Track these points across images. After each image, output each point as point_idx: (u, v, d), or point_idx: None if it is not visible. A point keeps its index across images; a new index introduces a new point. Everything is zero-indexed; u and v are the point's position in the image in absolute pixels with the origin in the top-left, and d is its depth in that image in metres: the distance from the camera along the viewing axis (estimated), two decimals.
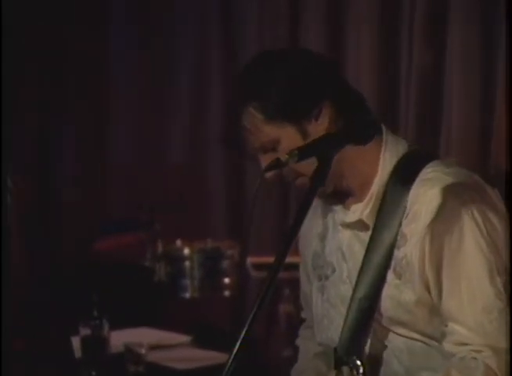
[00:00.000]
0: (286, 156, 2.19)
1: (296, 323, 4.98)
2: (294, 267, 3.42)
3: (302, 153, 2.17)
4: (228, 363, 1.85)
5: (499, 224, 2.35)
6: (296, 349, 4.98)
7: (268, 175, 2.44)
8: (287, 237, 2.12)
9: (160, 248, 4.70)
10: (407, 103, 5.53)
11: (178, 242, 4.75)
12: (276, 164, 2.27)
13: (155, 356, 3.73)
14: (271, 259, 2.15)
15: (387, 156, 2.46)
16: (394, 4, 5.45)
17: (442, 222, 2.31)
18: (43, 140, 6.03)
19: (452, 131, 4.72)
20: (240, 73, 2.61)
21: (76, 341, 3.49)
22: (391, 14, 5.56)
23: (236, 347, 1.86)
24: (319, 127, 2.38)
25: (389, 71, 5.59)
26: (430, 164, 2.44)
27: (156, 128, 6.22)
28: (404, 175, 2.44)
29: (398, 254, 2.40)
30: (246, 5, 5.96)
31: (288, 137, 2.40)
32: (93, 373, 3.53)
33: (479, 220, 2.31)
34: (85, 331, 3.59)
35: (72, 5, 6.04)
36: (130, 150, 6.15)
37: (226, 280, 4.74)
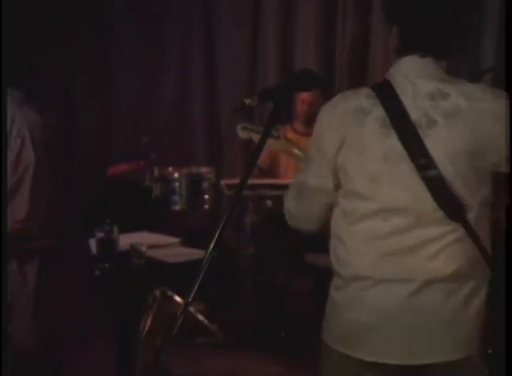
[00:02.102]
0: (249, 99, 2.18)
1: (257, 229, 5.06)
2: (256, 187, 3.46)
3: (261, 97, 2.15)
4: (206, 257, 1.88)
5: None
6: (258, 247, 5.01)
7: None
8: (248, 165, 2.10)
9: (156, 173, 4.70)
10: (341, 65, 5.56)
11: (170, 168, 4.75)
12: (242, 107, 2.24)
13: (153, 253, 3.73)
14: (238, 181, 2.11)
15: None
16: None
17: None
18: (66, 90, 6.02)
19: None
20: None
21: (92, 242, 3.52)
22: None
23: (212, 245, 1.89)
24: None
25: (328, 41, 5.63)
26: None
27: (151, 81, 6.20)
28: None
29: None
30: None
31: None
32: (106, 265, 3.55)
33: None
34: (100, 235, 3.59)
35: None
36: (131, 99, 6.14)
37: (206, 197, 4.74)
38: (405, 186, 2.16)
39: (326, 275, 4.24)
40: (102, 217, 3.67)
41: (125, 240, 3.68)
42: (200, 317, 4.83)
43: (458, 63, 2.40)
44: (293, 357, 4.55)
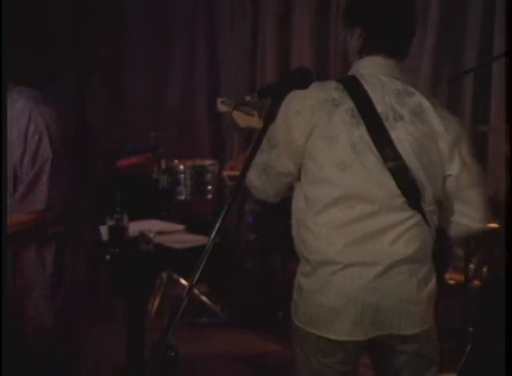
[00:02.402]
0: (249, 96, 2.20)
1: (257, 216, 5.06)
2: None
3: (260, 94, 2.10)
4: (209, 243, 1.88)
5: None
6: (258, 233, 5.02)
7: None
8: (248, 158, 2.10)
9: (163, 165, 4.71)
10: (334, 66, 5.56)
11: (176, 161, 4.77)
12: (243, 103, 2.26)
13: (160, 239, 3.72)
14: (238, 173, 2.12)
15: None
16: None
17: None
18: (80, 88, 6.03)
19: None
20: None
21: (103, 229, 3.53)
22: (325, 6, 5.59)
23: (214, 232, 1.90)
24: None
25: (321, 47, 5.64)
26: None
27: (158, 80, 6.20)
28: None
29: None
30: None
31: None
32: (116, 250, 3.56)
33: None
34: (111, 222, 3.59)
35: None
36: (141, 96, 6.13)
37: (209, 187, 4.78)
38: (371, 175, 2.20)
39: None
40: (113, 206, 3.68)
41: (134, 227, 3.68)
42: (204, 298, 4.87)
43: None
44: (287, 335, 4.55)
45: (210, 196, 4.75)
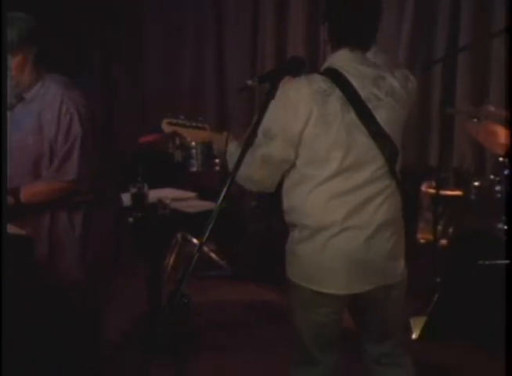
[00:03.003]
0: (251, 81, 2.12)
1: None
2: None
3: (260, 79, 2.11)
4: (216, 208, 1.89)
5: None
6: (259, 202, 5.01)
7: None
8: (250, 135, 2.04)
9: (177, 142, 4.69)
10: (323, 59, 5.53)
11: (188, 138, 4.77)
12: (245, 87, 2.26)
13: (175, 205, 3.75)
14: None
15: None
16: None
17: None
18: (105, 78, 6.02)
19: None
20: None
21: (125, 196, 3.53)
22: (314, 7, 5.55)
23: (221, 198, 1.89)
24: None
25: (312, 45, 5.61)
26: None
27: (173, 68, 6.17)
28: None
29: None
30: None
31: None
32: (138, 214, 3.58)
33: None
34: (133, 190, 3.61)
35: None
36: (158, 83, 6.11)
37: (216, 161, 4.76)
38: (362, 150, 2.23)
39: None
40: (135, 177, 3.69)
41: (153, 195, 3.70)
42: (212, 255, 4.89)
43: None
44: (283, 286, 4.57)
45: (217, 168, 4.71)
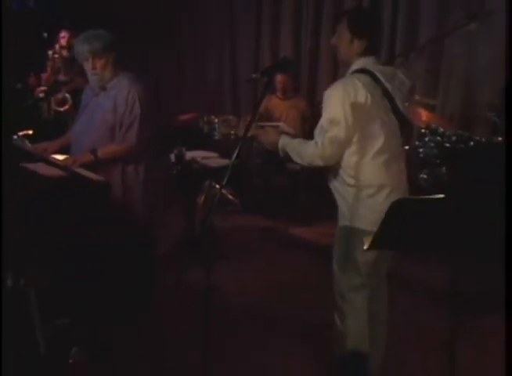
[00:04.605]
0: (255, 75, 2.07)
1: (260, 148, 5.02)
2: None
3: (261, 74, 2.05)
4: (231, 163, 1.89)
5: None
6: (261, 159, 4.98)
7: None
8: (252, 114, 2.04)
9: (205, 119, 4.69)
10: (305, 59, 5.48)
11: (213, 116, 4.74)
12: (250, 79, 2.18)
13: (203, 161, 3.79)
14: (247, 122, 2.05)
15: None
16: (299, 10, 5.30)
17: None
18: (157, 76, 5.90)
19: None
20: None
21: (172, 156, 3.55)
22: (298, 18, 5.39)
23: (234, 157, 1.88)
24: None
25: (298, 48, 5.52)
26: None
27: (202, 67, 6.08)
28: None
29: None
30: None
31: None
32: (179, 167, 3.60)
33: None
34: (175, 152, 3.64)
35: None
36: (192, 78, 6.05)
37: (232, 131, 4.75)
38: (395, 126, 2.12)
39: (297, 175, 4.26)
40: (177, 142, 3.71)
41: (189, 155, 3.73)
42: (229, 196, 4.92)
43: None
44: (275, 217, 4.61)
45: (232, 136, 4.73)
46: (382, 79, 2.07)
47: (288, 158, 2.12)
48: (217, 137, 4.67)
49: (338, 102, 1.99)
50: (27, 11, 4.66)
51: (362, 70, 2.07)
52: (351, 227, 2.07)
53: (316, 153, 2.02)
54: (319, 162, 2.05)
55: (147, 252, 2.93)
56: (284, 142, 2.13)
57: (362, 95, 2.01)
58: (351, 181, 2.07)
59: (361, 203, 2.06)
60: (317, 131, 2.05)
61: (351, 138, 2.02)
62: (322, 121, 2.02)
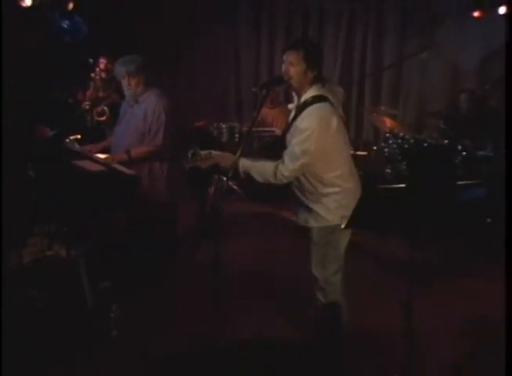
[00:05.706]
0: (255, 89, 2.03)
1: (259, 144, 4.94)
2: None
3: (261, 87, 1.96)
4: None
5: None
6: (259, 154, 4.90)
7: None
8: (252, 121, 2.04)
9: (215, 125, 4.65)
10: None
11: (221, 123, 4.68)
12: (253, 91, 2.14)
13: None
14: (248, 127, 2.11)
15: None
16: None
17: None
18: (177, 90, 5.70)
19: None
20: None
21: (188, 155, 3.46)
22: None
23: (239, 153, 1.93)
24: None
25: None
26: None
27: (213, 77, 5.81)
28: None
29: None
30: None
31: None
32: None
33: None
34: (191, 151, 3.50)
35: None
36: (202, 85, 5.78)
37: (236, 135, 4.70)
38: (348, 151, 2.04)
39: None
40: (193, 144, 3.64)
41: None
42: (234, 186, 4.88)
43: None
44: (272, 204, 4.50)
45: (237, 139, 4.69)
46: (333, 101, 1.95)
47: (247, 178, 1.98)
48: (224, 139, 4.64)
49: (315, 133, 1.85)
50: (78, 42, 4.77)
51: (322, 97, 1.91)
52: (332, 226, 1.97)
53: (281, 174, 1.91)
54: (280, 181, 1.94)
55: (170, 230, 2.94)
56: (245, 164, 1.96)
57: (335, 123, 1.89)
58: (320, 187, 1.98)
59: (329, 200, 1.97)
60: (288, 152, 1.90)
61: (317, 155, 1.89)
62: (295, 147, 1.87)
